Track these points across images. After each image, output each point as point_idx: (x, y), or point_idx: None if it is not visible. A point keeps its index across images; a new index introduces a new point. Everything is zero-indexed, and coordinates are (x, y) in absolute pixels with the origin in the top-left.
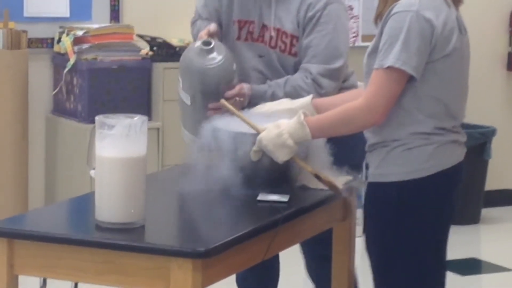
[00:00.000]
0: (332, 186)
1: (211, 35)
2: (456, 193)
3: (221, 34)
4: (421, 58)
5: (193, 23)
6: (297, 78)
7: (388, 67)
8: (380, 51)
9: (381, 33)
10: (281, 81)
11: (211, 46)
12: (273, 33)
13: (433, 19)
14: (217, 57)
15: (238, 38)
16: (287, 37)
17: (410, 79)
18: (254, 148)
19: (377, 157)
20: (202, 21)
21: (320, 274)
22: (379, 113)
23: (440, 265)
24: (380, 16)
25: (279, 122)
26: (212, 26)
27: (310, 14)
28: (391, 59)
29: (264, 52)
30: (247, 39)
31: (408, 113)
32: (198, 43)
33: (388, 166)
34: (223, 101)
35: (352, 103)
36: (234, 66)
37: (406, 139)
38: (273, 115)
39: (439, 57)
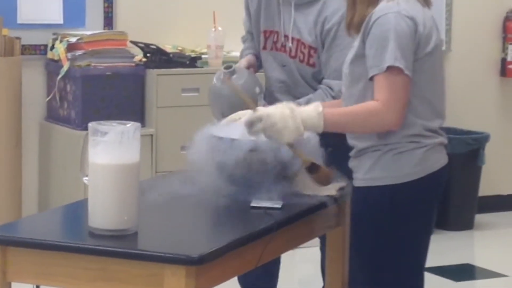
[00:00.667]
0: (326, 176)
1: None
2: (441, 195)
3: (258, 62)
4: (410, 56)
5: (244, 42)
6: (318, 97)
7: (388, 68)
8: (373, 57)
9: (363, 41)
10: (302, 101)
11: (231, 69)
12: (293, 43)
13: (415, 17)
14: (237, 81)
15: (265, 47)
16: (305, 48)
17: None
18: (252, 117)
19: (367, 162)
20: (249, 43)
21: None
22: (397, 118)
23: (423, 266)
24: (352, 25)
25: (290, 104)
26: (243, 62)
27: (327, 27)
28: (388, 59)
29: (286, 62)
30: (272, 48)
31: None
32: (221, 68)
33: (380, 170)
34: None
35: (369, 104)
36: (257, 90)
37: (397, 143)
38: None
39: (423, 55)
